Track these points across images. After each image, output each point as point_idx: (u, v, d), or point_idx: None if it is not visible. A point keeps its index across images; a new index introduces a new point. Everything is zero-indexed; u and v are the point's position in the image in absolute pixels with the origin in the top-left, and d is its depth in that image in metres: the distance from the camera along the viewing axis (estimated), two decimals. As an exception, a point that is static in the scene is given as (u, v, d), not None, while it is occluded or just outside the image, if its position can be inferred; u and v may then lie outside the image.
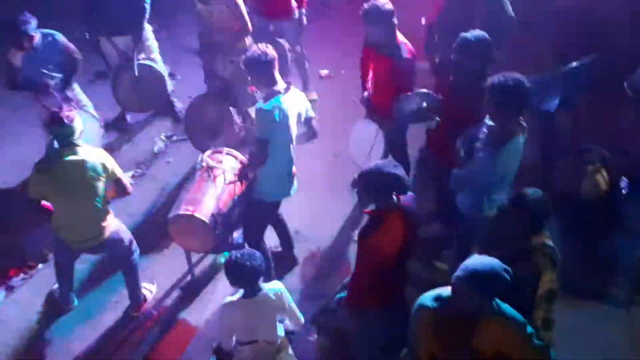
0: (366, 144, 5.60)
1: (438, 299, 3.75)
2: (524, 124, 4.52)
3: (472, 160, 4.61)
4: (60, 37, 5.94)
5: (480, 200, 4.68)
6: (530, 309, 4.00)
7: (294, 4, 6.56)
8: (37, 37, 5.73)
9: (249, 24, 5.95)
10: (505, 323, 3.68)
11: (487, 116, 4.56)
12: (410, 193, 4.26)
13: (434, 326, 3.78)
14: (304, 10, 6.71)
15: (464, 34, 4.87)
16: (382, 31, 5.22)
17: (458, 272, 3.55)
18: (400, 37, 5.32)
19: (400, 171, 4.15)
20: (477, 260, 3.58)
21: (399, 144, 5.71)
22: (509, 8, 5.87)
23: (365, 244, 4.19)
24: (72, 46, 5.99)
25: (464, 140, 4.71)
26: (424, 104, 5.18)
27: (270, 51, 4.87)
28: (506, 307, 3.70)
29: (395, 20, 5.23)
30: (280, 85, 4.92)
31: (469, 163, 4.63)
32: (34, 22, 5.69)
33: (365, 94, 5.61)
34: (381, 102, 5.48)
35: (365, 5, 5.19)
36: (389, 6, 5.18)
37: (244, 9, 5.97)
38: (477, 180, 4.62)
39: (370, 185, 4.16)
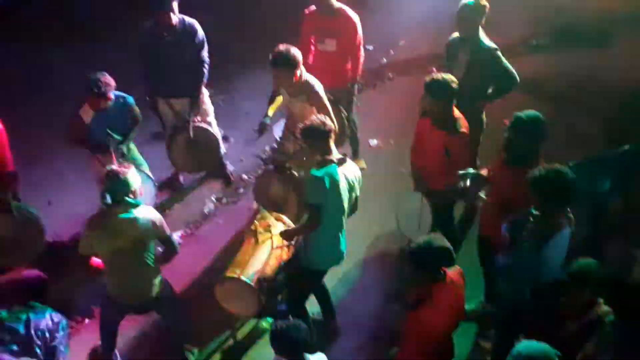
0: (414, 216, 5.64)
1: None
2: (571, 216, 4.53)
3: (517, 248, 4.60)
4: (131, 101, 6.10)
5: (522, 289, 4.66)
6: None
7: (349, 73, 6.68)
8: (112, 98, 5.90)
9: (335, 123, 5.60)
10: None
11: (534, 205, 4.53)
12: (457, 267, 4.29)
13: None
14: (358, 79, 6.83)
15: (517, 114, 4.91)
16: (443, 105, 5.34)
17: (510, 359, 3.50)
18: (456, 111, 5.41)
19: (447, 244, 4.20)
20: (531, 347, 3.62)
21: (446, 219, 5.75)
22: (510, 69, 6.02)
23: (414, 318, 4.21)
24: (137, 109, 6.16)
25: (510, 226, 4.69)
26: (468, 183, 5.23)
27: (329, 122, 5.01)
28: None
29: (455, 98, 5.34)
30: (335, 155, 5.03)
31: (514, 251, 4.61)
32: (113, 85, 5.84)
33: (416, 166, 5.70)
34: (432, 176, 5.55)
35: (432, 77, 5.34)
36: (455, 84, 5.30)
37: (330, 107, 5.86)
38: (521, 270, 4.59)
39: (421, 260, 4.18)
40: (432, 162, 5.55)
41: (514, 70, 5.96)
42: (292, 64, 5.66)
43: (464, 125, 5.38)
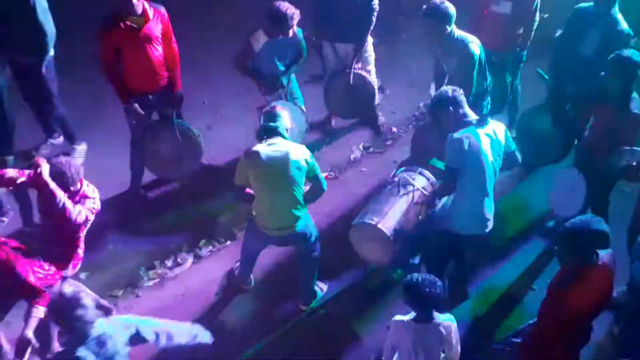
0: (569, 193, 5.56)
1: None
2: None
3: None
4: (301, 34, 6.24)
5: None
6: None
7: (520, 38, 6.59)
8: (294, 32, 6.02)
9: (474, 87, 5.78)
10: None
11: None
12: (609, 250, 4.21)
13: None
14: (527, 45, 6.74)
15: None
16: (624, 83, 5.27)
17: None
18: (636, 95, 5.37)
19: (605, 227, 4.08)
20: None
21: (602, 200, 5.68)
22: (625, 23, 5.93)
23: (557, 296, 4.15)
24: (304, 42, 6.30)
25: None
26: (634, 163, 5.19)
27: (457, 89, 5.01)
28: None
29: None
30: (472, 116, 5.01)
31: None
32: (297, 15, 5.95)
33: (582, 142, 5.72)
34: (599, 152, 5.50)
35: (618, 53, 5.28)
36: (639, 59, 5.24)
37: (475, 73, 5.79)
38: None
39: (576, 242, 4.07)
40: (599, 139, 5.51)
41: None
42: (442, 16, 5.61)
43: (636, 107, 5.32)
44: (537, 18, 6.55)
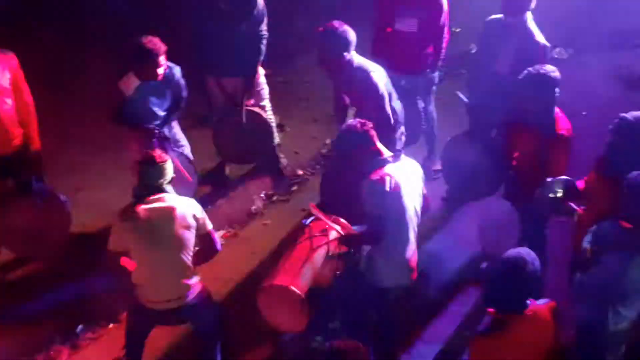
0: (499, 228, 5.62)
1: None
2: None
3: (600, 263, 4.57)
4: (178, 72, 6.14)
5: (605, 312, 4.59)
6: None
7: (430, 58, 6.68)
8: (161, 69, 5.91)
9: (391, 119, 5.91)
10: None
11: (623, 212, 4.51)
12: (546, 300, 4.21)
13: None
14: (439, 66, 6.85)
15: (624, 115, 4.84)
16: (540, 103, 5.29)
17: None
18: (556, 110, 5.40)
19: (537, 269, 4.09)
20: None
21: (538, 235, 5.68)
22: (540, 34, 6.04)
23: (480, 349, 4.16)
24: (183, 81, 6.18)
25: (593, 237, 4.64)
26: (559, 193, 5.18)
27: (364, 122, 5.04)
28: None
29: (557, 92, 5.29)
30: (386, 154, 5.06)
31: (596, 267, 4.59)
32: (164, 50, 5.81)
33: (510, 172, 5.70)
34: (526, 182, 5.50)
35: (530, 70, 5.31)
36: (556, 75, 5.27)
37: (387, 104, 5.90)
38: (603, 287, 4.55)
39: (503, 286, 4.07)
40: (525, 168, 5.58)
41: None
42: (339, 42, 5.66)
43: (564, 127, 5.36)
44: (447, 34, 6.65)
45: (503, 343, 4.09)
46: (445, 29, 6.59)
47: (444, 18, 6.51)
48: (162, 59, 5.81)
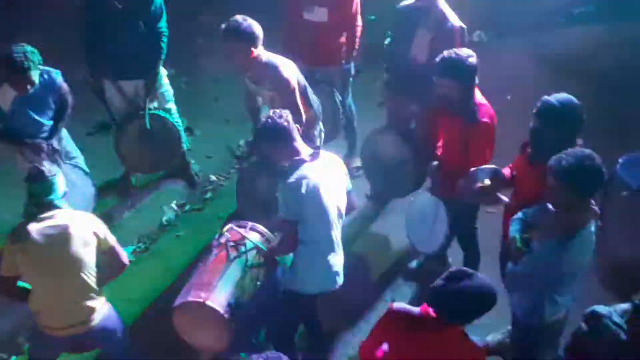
0: (429, 225, 5.74)
1: None
2: (596, 209, 4.62)
3: (531, 251, 4.63)
4: (59, 77, 6.06)
5: (541, 302, 4.70)
6: None
7: (344, 48, 6.72)
8: (36, 76, 5.80)
9: (303, 116, 5.92)
10: None
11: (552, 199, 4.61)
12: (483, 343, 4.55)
13: None
14: (355, 56, 6.91)
15: (546, 98, 4.94)
16: (457, 88, 5.31)
17: None
18: (479, 96, 5.43)
19: (489, 287, 4.10)
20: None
21: (467, 228, 5.86)
22: (455, 17, 6.17)
23: (388, 319, 4.36)
24: (66, 86, 6.09)
25: (519, 224, 4.79)
26: (487, 182, 5.25)
27: (286, 115, 5.07)
28: None
29: (477, 78, 5.35)
30: (305, 152, 5.06)
31: (526, 256, 4.65)
32: (37, 58, 5.74)
33: (435, 163, 5.70)
34: (450, 173, 5.54)
35: (444, 54, 5.34)
36: (473, 60, 5.31)
37: (298, 100, 5.96)
38: (536, 277, 4.65)
39: (449, 304, 4.09)
40: (449, 159, 5.63)
41: None
42: (244, 36, 5.70)
43: (488, 114, 5.40)
44: (360, 23, 6.68)
45: (418, 337, 4.21)
46: (358, 17, 6.64)
47: (356, 6, 6.58)
48: (30, 66, 5.72)
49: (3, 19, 8.17)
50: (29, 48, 5.75)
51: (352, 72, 6.91)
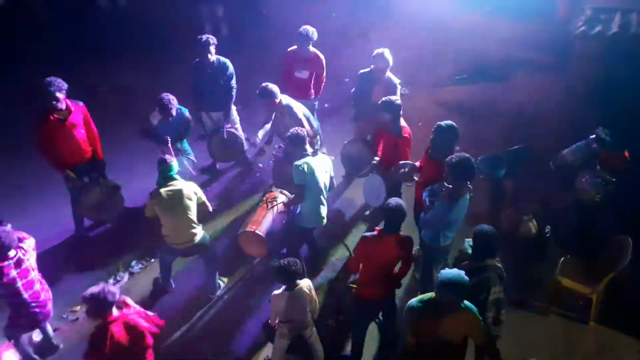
0: (376, 191, 5.64)
1: (421, 301, 3.95)
2: (470, 187, 4.68)
3: (434, 208, 4.70)
4: (187, 113, 6.10)
5: (438, 235, 4.79)
6: (483, 312, 4.16)
7: (312, 91, 6.63)
8: (175, 110, 5.86)
9: (310, 132, 5.70)
10: (469, 315, 3.87)
11: (446, 180, 4.73)
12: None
13: (418, 320, 3.92)
14: (318, 98, 6.78)
15: (439, 123, 4.97)
16: (391, 117, 5.39)
17: (439, 282, 3.75)
18: (402, 122, 5.48)
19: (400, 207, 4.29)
20: (449, 273, 3.79)
21: (396, 194, 5.74)
22: (395, 78, 5.96)
23: (362, 245, 4.43)
24: (188, 116, 6.13)
25: (428, 194, 4.85)
26: (406, 169, 5.38)
27: (302, 131, 5.15)
28: (470, 304, 3.93)
29: (401, 112, 5.44)
30: (309, 150, 5.19)
31: (431, 210, 4.73)
32: (176, 103, 5.74)
33: (377, 158, 5.66)
34: (387, 164, 5.62)
35: (383, 99, 5.37)
36: (399, 102, 5.41)
37: (306, 123, 5.77)
38: (436, 221, 4.72)
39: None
40: (386, 156, 5.60)
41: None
42: (270, 95, 5.75)
43: (407, 132, 5.47)
44: (324, 77, 6.57)
45: (376, 243, 4.36)
46: (324, 75, 6.57)
47: (323, 70, 6.51)
48: (172, 107, 5.61)
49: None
50: (171, 96, 5.72)
51: (316, 105, 6.81)
